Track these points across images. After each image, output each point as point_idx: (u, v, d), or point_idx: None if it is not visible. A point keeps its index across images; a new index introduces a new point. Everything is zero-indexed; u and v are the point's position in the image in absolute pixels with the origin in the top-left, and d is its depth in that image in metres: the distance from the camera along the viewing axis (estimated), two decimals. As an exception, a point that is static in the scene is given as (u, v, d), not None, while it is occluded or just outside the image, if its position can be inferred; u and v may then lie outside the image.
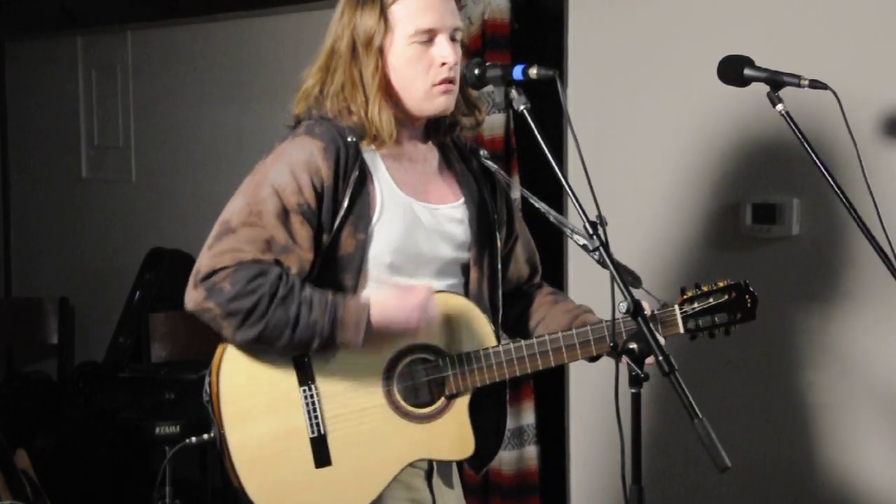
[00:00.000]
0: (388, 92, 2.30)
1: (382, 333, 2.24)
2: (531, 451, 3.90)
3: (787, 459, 3.39)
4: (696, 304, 2.37)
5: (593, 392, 3.79)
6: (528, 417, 3.89)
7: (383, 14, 2.27)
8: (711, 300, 2.37)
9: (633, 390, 1.99)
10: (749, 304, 2.40)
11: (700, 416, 1.88)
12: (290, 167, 2.23)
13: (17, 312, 5.61)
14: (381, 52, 2.28)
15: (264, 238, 2.20)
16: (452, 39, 2.30)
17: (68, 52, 5.74)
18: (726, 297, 2.38)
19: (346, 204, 2.25)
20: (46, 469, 4.15)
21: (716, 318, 2.38)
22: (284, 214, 2.22)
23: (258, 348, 2.24)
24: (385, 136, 2.28)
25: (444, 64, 2.28)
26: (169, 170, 5.38)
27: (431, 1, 2.28)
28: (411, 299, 2.23)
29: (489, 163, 2.49)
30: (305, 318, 2.18)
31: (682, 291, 2.39)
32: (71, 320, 5.63)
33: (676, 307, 2.37)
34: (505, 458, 3.86)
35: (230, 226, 2.22)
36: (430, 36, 2.27)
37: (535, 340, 2.33)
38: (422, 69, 2.28)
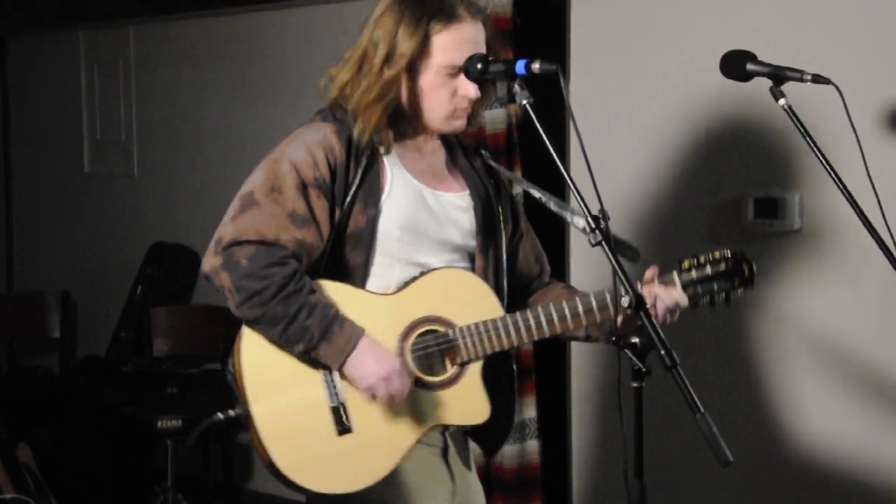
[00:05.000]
0: (398, 109, 2.38)
1: (351, 371, 2.29)
2: (533, 445, 3.90)
3: (792, 453, 3.40)
4: (693, 274, 2.41)
5: (595, 387, 3.80)
6: (530, 412, 3.89)
7: (426, 41, 2.33)
8: (709, 269, 2.41)
9: (635, 385, 1.99)
10: (746, 273, 2.44)
11: (702, 410, 1.88)
12: (306, 145, 2.34)
13: (20, 307, 5.63)
14: (414, 70, 2.35)
15: (286, 213, 2.29)
16: None
17: (70, 46, 5.75)
18: (723, 266, 2.42)
19: (357, 180, 2.34)
20: (48, 463, 4.16)
21: (714, 286, 2.42)
22: (303, 187, 2.31)
23: None
24: (382, 147, 2.38)
25: (465, 96, 2.36)
26: (171, 164, 5.38)
27: (469, 36, 2.35)
28: (385, 366, 2.28)
29: (493, 162, 2.57)
30: (301, 321, 2.25)
31: (680, 262, 2.42)
32: (73, 314, 5.64)
33: (675, 273, 2.40)
34: (507, 453, 3.86)
35: (254, 198, 2.30)
36: (459, 71, 2.34)
37: (540, 310, 2.39)
38: (446, 96, 2.37)
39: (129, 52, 5.50)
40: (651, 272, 2.41)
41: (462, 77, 2.34)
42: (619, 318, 2.38)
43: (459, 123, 2.41)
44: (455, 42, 2.33)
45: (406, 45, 2.33)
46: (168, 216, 5.36)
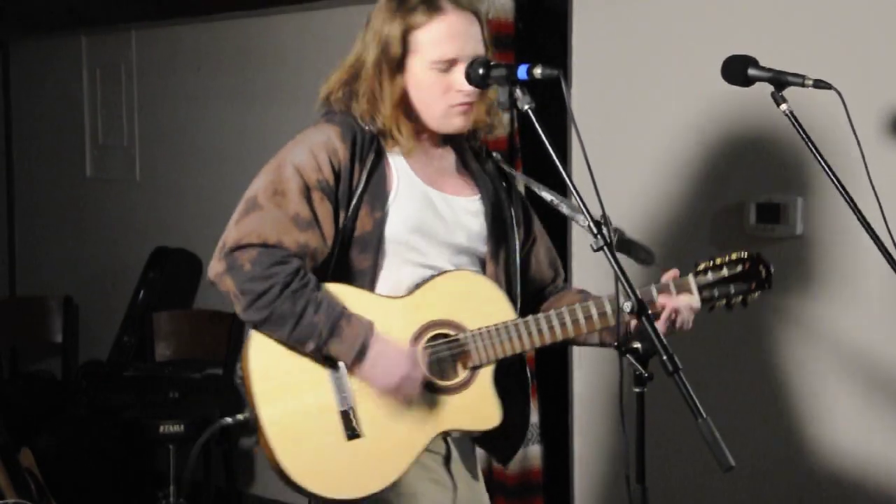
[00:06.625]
0: (407, 107, 2.37)
1: (367, 370, 2.28)
2: (535, 450, 3.90)
3: (794, 459, 3.39)
4: (709, 276, 2.40)
5: (597, 391, 3.79)
6: (532, 416, 3.88)
7: (405, 37, 2.33)
8: (725, 271, 2.40)
9: (637, 390, 1.99)
10: (763, 275, 2.42)
11: (704, 415, 1.88)
12: (310, 147, 2.33)
13: (22, 311, 5.63)
14: (402, 69, 2.35)
15: (289, 217, 2.29)
16: None
17: (73, 51, 5.75)
18: (740, 267, 2.41)
19: (362, 183, 2.34)
20: (51, 468, 4.16)
21: (731, 288, 2.41)
22: (307, 191, 2.31)
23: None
24: (403, 147, 2.37)
25: (460, 90, 2.34)
26: (173, 169, 5.38)
27: (456, 28, 2.34)
28: (407, 365, 2.28)
29: (506, 166, 2.56)
30: (309, 317, 2.24)
31: (696, 264, 2.41)
32: (75, 319, 5.65)
33: (691, 276, 2.39)
34: (508, 458, 3.86)
35: (257, 202, 2.30)
36: (450, 65, 2.33)
37: (553, 312, 2.37)
38: (439, 92, 2.35)
39: (132, 57, 5.51)
40: (670, 274, 2.40)
41: (454, 71, 2.32)
42: (627, 326, 2.38)
43: (458, 122, 2.38)
44: (440, 36, 2.32)
45: (393, 43, 2.33)
46: (170, 220, 5.36)
